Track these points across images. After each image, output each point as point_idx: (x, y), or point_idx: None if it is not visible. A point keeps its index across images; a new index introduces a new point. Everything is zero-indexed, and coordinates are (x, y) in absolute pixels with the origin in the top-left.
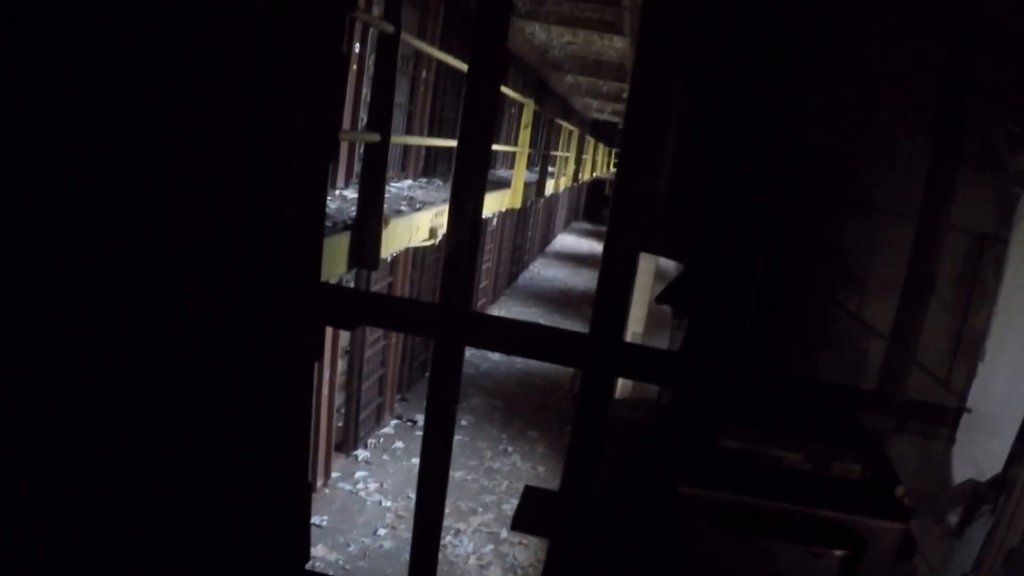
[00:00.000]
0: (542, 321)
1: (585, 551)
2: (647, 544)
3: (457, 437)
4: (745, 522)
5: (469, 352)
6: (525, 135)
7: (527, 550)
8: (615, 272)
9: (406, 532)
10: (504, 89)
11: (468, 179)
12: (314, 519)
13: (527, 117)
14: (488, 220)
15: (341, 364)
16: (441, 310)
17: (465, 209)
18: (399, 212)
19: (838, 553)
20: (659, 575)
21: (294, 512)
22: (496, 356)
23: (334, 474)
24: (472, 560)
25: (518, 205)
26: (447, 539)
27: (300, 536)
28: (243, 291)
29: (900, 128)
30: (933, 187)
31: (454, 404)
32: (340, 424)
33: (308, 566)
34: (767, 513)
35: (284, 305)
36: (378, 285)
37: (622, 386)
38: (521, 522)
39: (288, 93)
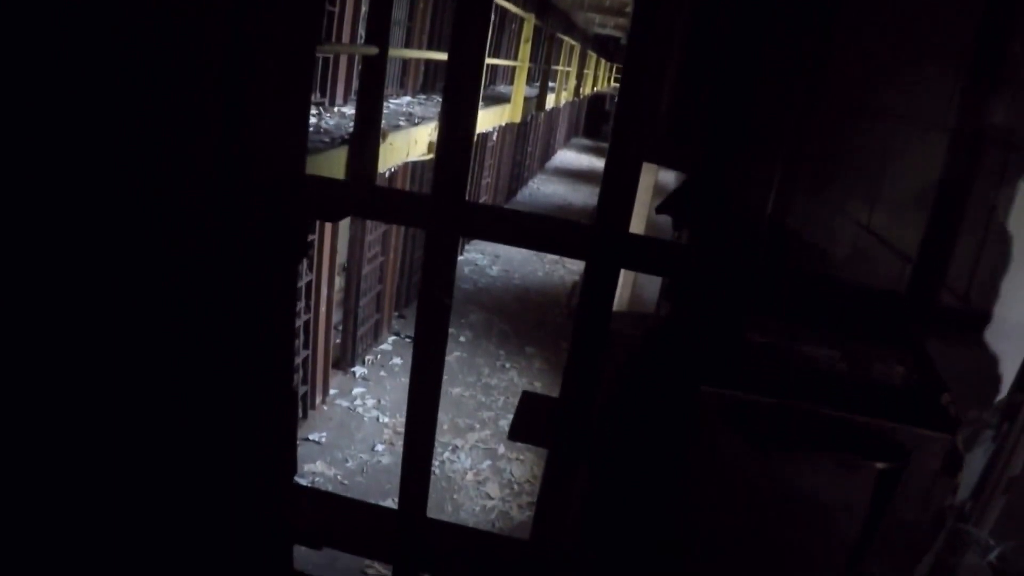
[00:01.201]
0: None
1: (589, 462)
2: (656, 455)
3: (455, 353)
4: (771, 429)
5: (467, 268)
6: (525, 50)
7: (523, 465)
8: (625, 154)
9: None
10: (503, 2)
11: (464, 63)
12: (312, 435)
13: (527, 32)
14: (488, 135)
15: (339, 281)
16: (433, 198)
17: (461, 94)
18: (397, 127)
19: (879, 465)
20: (670, 487)
21: (280, 421)
22: (494, 271)
23: (332, 391)
24: (470, 476)
25: (518, 119)
26: (445, 455)
27: (286, 446)
28: (222, 185)
29: (928, 38)
30: (968, 103)
31: (448, 296)
32: (338, 341)
33: (307, 482)
34: (796, 419)
35: (268, 199)
36: None
37: (617, 301)
38: (519, 431)
39: None
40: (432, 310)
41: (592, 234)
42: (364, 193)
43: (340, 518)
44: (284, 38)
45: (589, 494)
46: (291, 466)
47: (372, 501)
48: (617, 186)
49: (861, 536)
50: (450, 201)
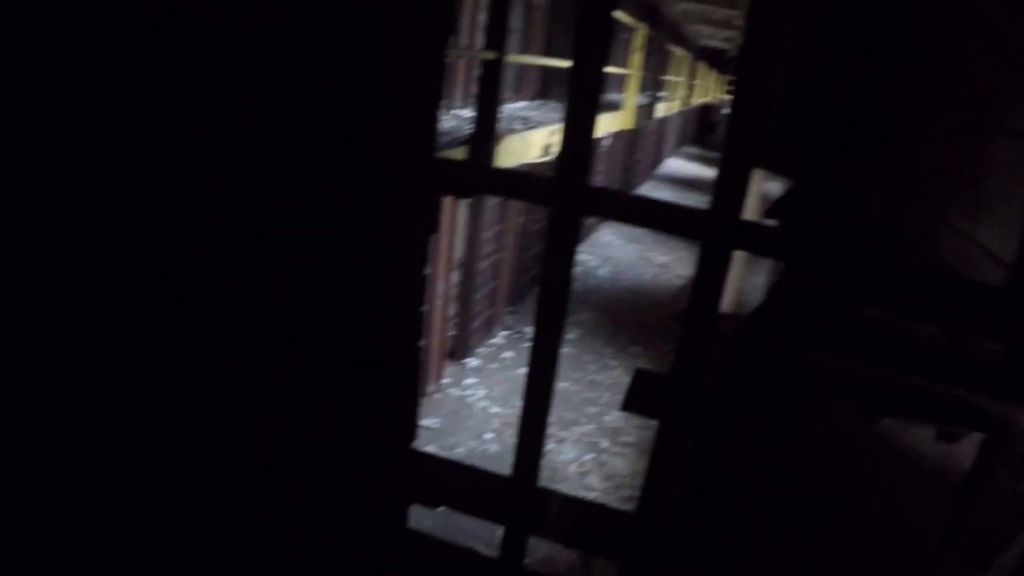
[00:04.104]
0: (649, 243)
1: (696, 434)
2: (763, 425)
3: (563, 349)
4: (873, 398)
5: (577, 269)
6: (637, 59)
7: (625, 460)
8: (738, 143)
9: (511, 438)
10: (616, 13)
11: (588, 43)
12: (425, 421)
13: (639, 41)
14: (600, 140)
15: (455, 276)
16: (559, 180)
17: (586, 81)
18: (513, 130)
19: (977, 437)
20: (775, 457)
21: (405, 387)
22: (603, 272)
23: (445, 380)
24: (573, 467)
25: (631, 125)
26: (550, 446)
27: (410, 411)
28: (371, 169)
29: None
30: None
31: (568, 271)
32: (452, 333)
33: None
34: (897, 389)
35: (406, 179)
36: (491, 200)
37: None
38: (632, 403)
39: None
40: (554, 285)
41: (707, 217)
42: (490, 174)
43: (457, 482)
44: (419, 48)
45: (694, 467)
46: (412, 430)
47: None
48: (732, 176)
49: (957, 507)
50: (574, 179)
